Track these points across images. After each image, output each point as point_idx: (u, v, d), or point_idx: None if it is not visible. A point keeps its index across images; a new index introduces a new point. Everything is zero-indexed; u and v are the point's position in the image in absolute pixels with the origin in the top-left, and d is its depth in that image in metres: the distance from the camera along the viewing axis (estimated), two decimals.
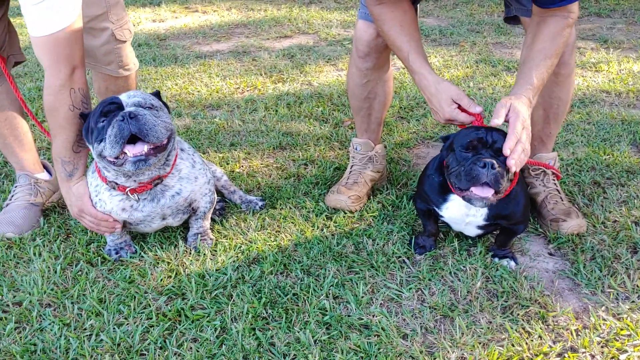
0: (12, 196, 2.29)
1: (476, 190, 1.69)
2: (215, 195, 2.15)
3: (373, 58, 2.21)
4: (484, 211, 1.87)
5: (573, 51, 2.10)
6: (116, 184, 1.87)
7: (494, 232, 2.07)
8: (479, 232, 1.98)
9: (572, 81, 2.18)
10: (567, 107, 2.24)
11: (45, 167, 2.42)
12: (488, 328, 1.70)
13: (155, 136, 1.73)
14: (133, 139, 1.72)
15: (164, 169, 1.88)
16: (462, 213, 1.89)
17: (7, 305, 1.82)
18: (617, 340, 1.65)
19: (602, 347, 1.63)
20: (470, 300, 1.82)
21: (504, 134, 1.70)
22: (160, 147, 1.78)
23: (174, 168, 1.93)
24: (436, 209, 1.94)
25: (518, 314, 1.75)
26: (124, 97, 1.80)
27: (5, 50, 2.19)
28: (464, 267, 1.96)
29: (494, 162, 1.66)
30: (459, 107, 1.82)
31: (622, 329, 1.69)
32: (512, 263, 1.99)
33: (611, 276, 1.91)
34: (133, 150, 1.73)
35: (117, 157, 1.75)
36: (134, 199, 1.90)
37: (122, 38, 2.26)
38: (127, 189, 1.87)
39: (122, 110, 1.74)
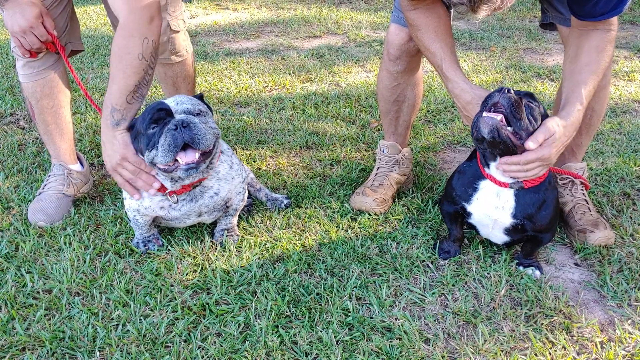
0: (45, 185, 2.34)
1: (487, 113, 1.69)
2: (247, 193, 2.18)
3: (404, 61, 2.22)
4: (511, 204, 1.84)
5: (610, 63, 2.08)
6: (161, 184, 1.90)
7: (519, 244, 2.05)
8: (506, 238, 1.96)
9: (608, 93, 2.16)
10: (601, 119, 2.22)
11: (79, 158, 2.48)
12: (511, 336, 1.69)
13: (205, 144, 1.76)
14: (183, 146, 1.75)
15: (207, 171, 1.91)
16: (492, 205, 1.87)
17: (38, 292, 1.87)
18: None
19: None
20: (493, 307, 1.81)
21: (531, 96, 1.74)
22: (207, 153, 1.81)
23: (213, 170, 1.96)
24: (465, 204, 1.93)
25: (542, 324, 1.74)
26: (172, 103, 1.81)
27: (65, 38, 2.25)
28: (488, 274, 1.96)
29: (510, 89, 1.68)
30: None
31: None
32: (537, 272, 1.97)
33: (638, 289, 1.89)
34: (185, 159, 1.76)
35: (167, 164, 1.78)
36: (173, 201, 1.93)
37: (176, 28, 2.40)
38: (167, 191, 1.90)
39: (172, 117, 1.77)
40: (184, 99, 1.86)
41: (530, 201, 1.84)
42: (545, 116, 1.77)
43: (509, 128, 1.68)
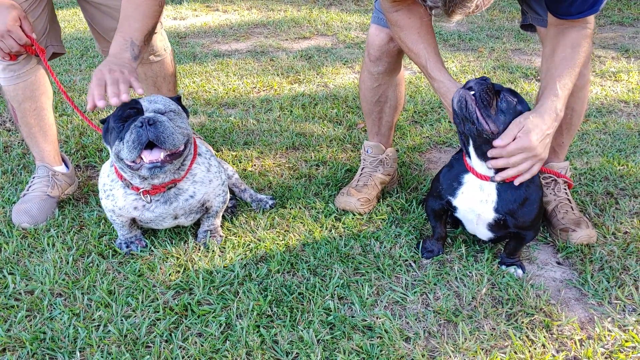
0: (30, 187, 2.34)
1: (463, 90, 1.72)
2: (229, 195, 2.18)
3: (385, 62, 2.23)
4: (494, 197, 1.85)
5: (588, 63, 2.10)
6: (130, 183, 1.90)
7: (503, 241, 2.06)
8: (490, 235, 1.97)
9: (586, 93, 2.18)
10: (581, 119, 2.24)
11: (63, 160, 2.47)
12: (491, 334, 1.70)
13: (172, 143, 1.76)
14: (150, 144, 1.75)
15: (178, 173, 1.91)
16: (476, 198, 1.88)
17: (20, 294, 1.86)
18: (622, 352, 1.64)
19: (605, 358, 1.63)
20: (474, 306, 1.82)
21: (512, 92, 1.76)
22: (176, 154, 1.81)
23: (188, 172, 1.96)
24: (450, 198, 1.94)
25: (522, 322, 1.75)
26: (145, 103, 1.82)
27: (45, 41, 2.24)
28: (470, 272, 1.97)
29: (486, 77, 1.72)
30: None
31: (627, 341, 1.68)
32: (519, 271, 1.98)
33: (619, 288, 1.90)
34: (149, 157, 1.76)
35: (133, 162, 1.78)
36: (147, 200, 1.93)
37: None
38: (141, 190, 1.90)
39: (142, 115, 1.77)
40: (158, 98, 1.86)
41: (512, 197, 1.85)
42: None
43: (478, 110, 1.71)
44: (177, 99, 1.95)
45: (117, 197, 1.95)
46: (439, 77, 1.92)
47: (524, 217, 1.88)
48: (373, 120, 2.40)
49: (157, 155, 1.76)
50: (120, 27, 1.97)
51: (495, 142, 1.71)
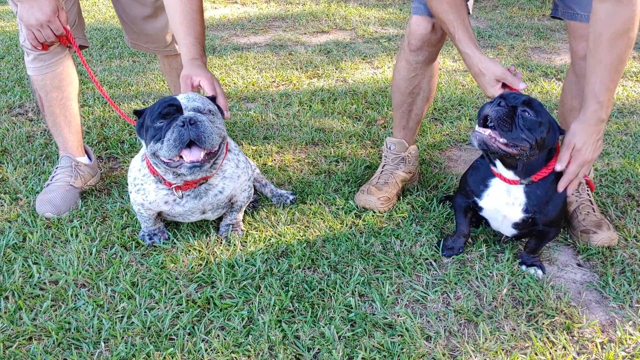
0: (53, 177, 2.37)
1: (477, 128, 1.77)
2: (253, 190, 2.19)
3: (425, 52, 2.25)
4: (522, 199, 1.87)
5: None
6: (163, 178, 1.92)
7: (525, 239, 2.06)
8: (515, 232, 1.98)
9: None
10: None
11: (86, 151, 2.50)
12: (512, 335, 1.71)
13: (211, 143, 1.77)
14: (188, 143, 1.77)
15: (210, 171, 1.92)
16: (502, 201, 1.90)
17: (44, 283, 1.89)
18: None
19: None
20: (495, 306, 1.82)
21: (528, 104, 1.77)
22: (212, 153, 1.83)
23: (219, 169, 1.97)
24: (477, 199, 1.96)
25: (543, 323, 1.75)
26: (183, 100, 1.82)
27: (73, 33, 2.27)
28: (490, 272, 1.97)
29: (504, 101, 1.74)
30: (504, 85, 1.91)
31: None
32: (540, 272, 1.98)
33: None
34: (190, 157, 1.77)
35: (171, 159, 1.79)
36: (178, 195, 1.95)
37: None
38: (173, 186, 1.92)
39: (181, 114, 1.78)
40: (196, 97, 1.87)
41: (541, 193, 1.87)
42: (549, 123, 1.78)
43: (500, 140, 1.74)
44: (212, 99, 1.95)
45: (148, 192, 1.96)
46: (466, 49, 1.96)
47: (551, 212, 1.90)
48: (402, 112, 2.40)
49: (198, 155, 1.77)
50: (186, 35, 2.07)
51: (556, 168, 1.83)
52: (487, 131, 1.75)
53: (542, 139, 1.76)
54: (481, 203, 1.95)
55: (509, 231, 1.99)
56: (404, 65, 2.31)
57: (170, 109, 1.78)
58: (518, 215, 1.90)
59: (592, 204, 2.24)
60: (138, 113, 1.91)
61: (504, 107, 1.73)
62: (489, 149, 1.76)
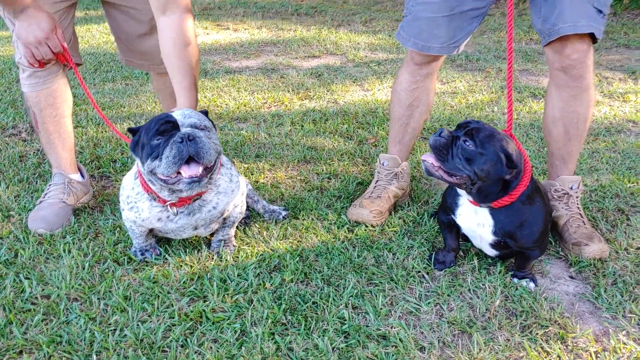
0: (46, 194, 2.36)
1: (425, 155, 1.86)
2: (246, 205, 2.19)
3: (428, 66, 2.32)
4: (490, 221, 1.90)
5: (589, 67, 2.11)
6: (158, 196, 1.92)
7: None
8: (495, 252, 2.01)
9: (590, 97, 2.17)
10: (587, 124, 2.22)
11: (79, 169, 2.50)
12: (506, 345, 1.71)
13: (208, 158, 1.78)
14: (187, 159, 1.77)
15: (206, 186, 1.93)
16: (473, 221, 1.94)
17: (36, 298, 1.87)
18: None
19: None
20: (488, 317, 1.82)
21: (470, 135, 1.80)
22: (209, 168, 1.83)
23: (213, 184, 1.98)
24: (453, 216, 2.00)
25: (537, 334, 1.75)
26: (179, 117, 1.83)
27: (69, 51, 2.29)
28: (483, 284, 1.97)
29: (445, 131, 1.81)
30: None
31: None
32: (532, 284, 1.99)
33: (632, 301, 1.90)
34: (189, 172, 1.77)
35: (168, 176, 1.79)
36: (173, 212, 1.95)
37: None
38: (168, 203, 1.92)
39: (178, 130, 1.79)
40: (191, 113, 1.88)
41: (507, 220, 1.88)
42: (494, 155, 1.77)
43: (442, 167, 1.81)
44: (205, 114, 1.97)
45: (141, 209, 1.95)
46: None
47: (524, 239, 1.90)
48: (400, 125, 2.44)
49: (196, 170, 1.78)
50: (182, 82, 2.14)
51: None
52: (431, 159, 1.82)
53: (483, 170, 1.76)
54: (458, 221, 1.99)
55: (489, 251, 2.01)
56: (407, 78, 2.36)
57: (167, 126, 1.79)
58: (489, 237, 1.93)
59: (582, 217, 2.26)
60: (133, 131, 1.92)
61: (443, 137, 1.79)
62: (433, 175, 1.84)
